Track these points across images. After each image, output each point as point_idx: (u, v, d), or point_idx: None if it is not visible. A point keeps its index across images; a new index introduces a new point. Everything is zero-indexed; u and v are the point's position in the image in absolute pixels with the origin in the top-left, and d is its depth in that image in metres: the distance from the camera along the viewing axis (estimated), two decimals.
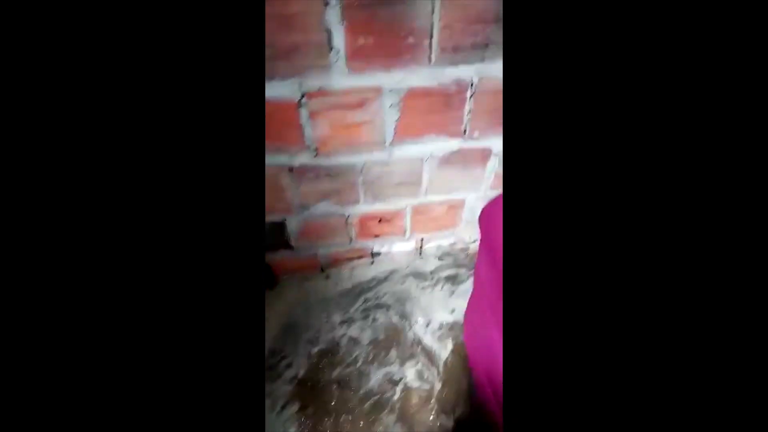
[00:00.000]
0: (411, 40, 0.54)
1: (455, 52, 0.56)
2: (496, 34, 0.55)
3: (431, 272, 0.95)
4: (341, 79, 0.56)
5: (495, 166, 0.75)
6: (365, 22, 0.51)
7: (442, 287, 0.92)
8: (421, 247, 0.94)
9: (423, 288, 0.92)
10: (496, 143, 0.71)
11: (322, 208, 0.76)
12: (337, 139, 0.64)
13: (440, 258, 0.97)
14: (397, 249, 0.93)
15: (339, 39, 0.52)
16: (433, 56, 0.56)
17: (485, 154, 0.73)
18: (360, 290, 0.91)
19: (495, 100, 0.64)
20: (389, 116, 0.63)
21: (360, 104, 0.60)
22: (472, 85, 0.61)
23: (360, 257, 0.92)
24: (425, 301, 0.89)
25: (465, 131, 0.68)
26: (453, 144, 0.69)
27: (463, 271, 0.95)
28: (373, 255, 0.93)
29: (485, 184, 0.79)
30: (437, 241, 0.94)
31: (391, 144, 0.67)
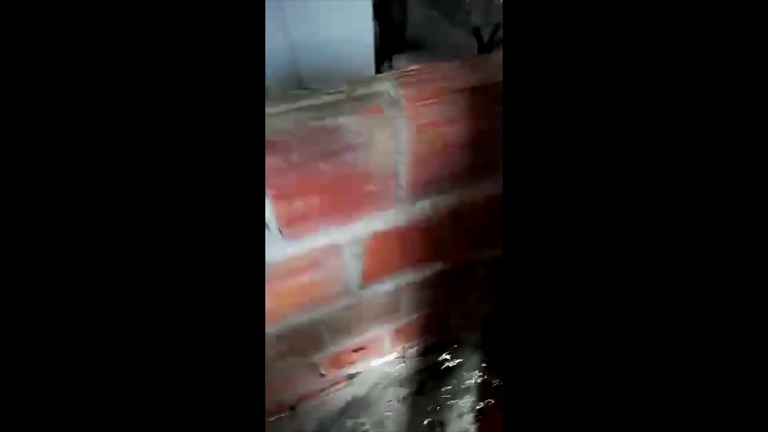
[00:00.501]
0: (371, 187, 0.39)
1: (428, 185, 0.42)
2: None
3: (415, 374, 0.81)
4: (279, 250, 0.40)
5: (482, 274, 0.63)
6: (302, 183, 0.35)
7: (425, 391, 0.79)
8: (404, 355, 0.80)
9: (404, 399, 0.78)
10: (481, 255, 0.58)
11: (281, 365, 0.58)
12: (288, 303, 0.48)
13: (425, 354, 0.84)
14: (376, 363, 0.78)
15: (267, 209, 0.35)
16: (401, 195, 0.41)
17: (470, 268, 0.60)
18: (333, 423, 0.74)
19: (480, 216, 0.50)
20: (353, 265, 0.47)
21: (312, 265, 0.44)
22: (450, 211, 0.47)
23: (334, 386, 0.76)
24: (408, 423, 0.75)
25: (447, 254, 0.54)
26: (435, 267, 0.55)
27: (452, 364, 0.83)
28: (350, 377, 0.77)
29: (474, 292, 0.67)
30: (423, 342, 0.80)
31: (360, 287, 0.51)
